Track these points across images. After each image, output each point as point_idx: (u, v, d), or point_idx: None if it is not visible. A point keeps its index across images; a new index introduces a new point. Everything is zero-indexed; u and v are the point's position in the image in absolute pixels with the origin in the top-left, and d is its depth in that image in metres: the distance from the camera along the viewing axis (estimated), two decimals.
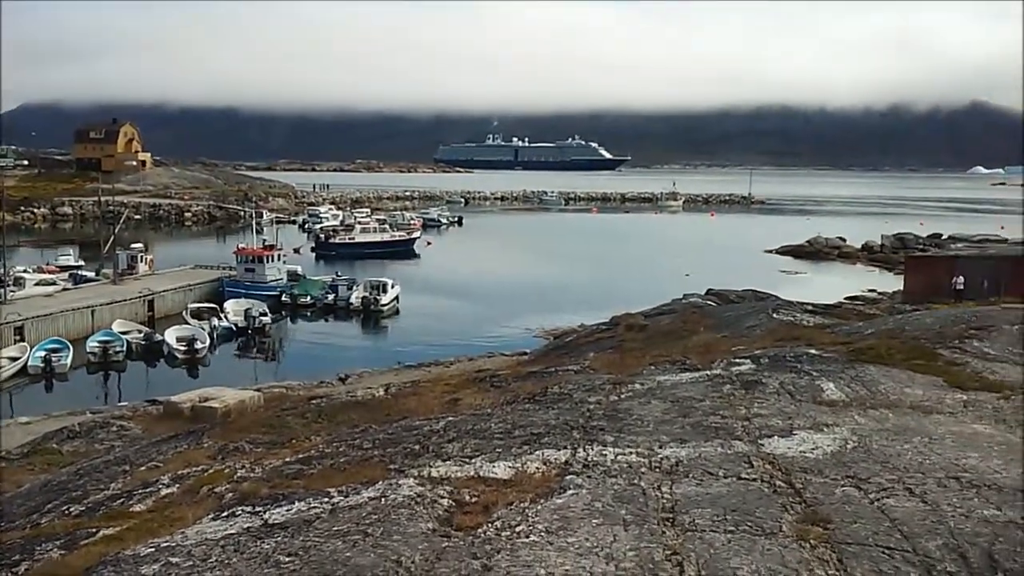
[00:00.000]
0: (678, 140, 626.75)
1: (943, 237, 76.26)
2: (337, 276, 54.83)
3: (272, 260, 52.87)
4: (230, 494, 8.56)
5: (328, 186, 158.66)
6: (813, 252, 73.83)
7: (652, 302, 38.47)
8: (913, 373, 12.20)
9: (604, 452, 8.69)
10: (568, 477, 7.86)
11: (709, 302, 36.24)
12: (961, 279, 34.90)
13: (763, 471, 7.86)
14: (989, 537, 6.37)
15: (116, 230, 58.14)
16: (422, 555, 6.02)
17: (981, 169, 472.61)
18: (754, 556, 5.79)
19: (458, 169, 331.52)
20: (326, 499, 7.56)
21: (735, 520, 6.49)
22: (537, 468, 8.25)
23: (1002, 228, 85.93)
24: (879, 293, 48.77)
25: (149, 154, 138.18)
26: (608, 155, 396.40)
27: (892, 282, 53.44)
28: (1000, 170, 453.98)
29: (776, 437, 9.07)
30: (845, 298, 43.46)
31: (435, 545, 6.21)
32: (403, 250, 77.70)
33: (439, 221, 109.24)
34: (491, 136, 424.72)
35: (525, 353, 35.07)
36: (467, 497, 7.36)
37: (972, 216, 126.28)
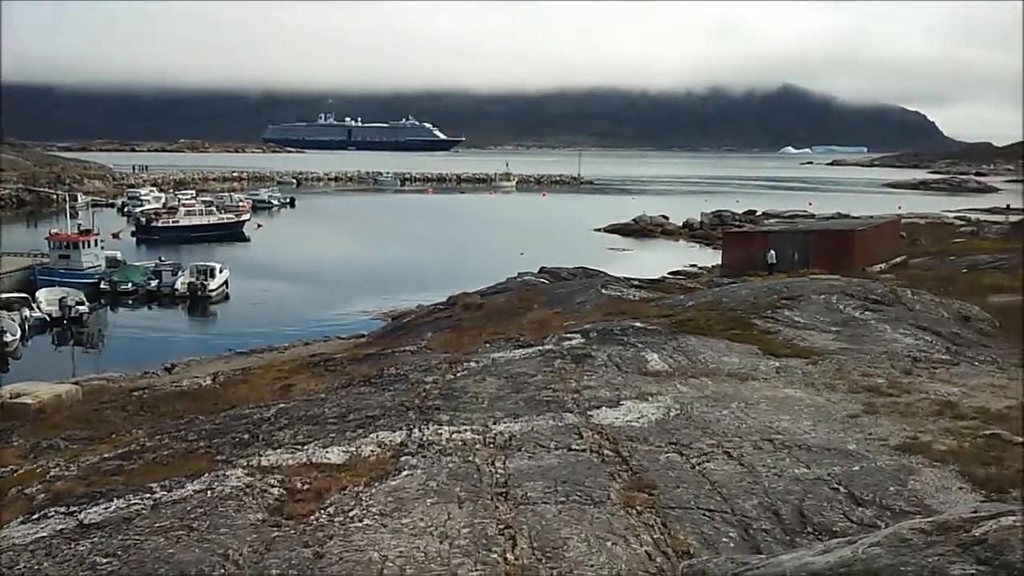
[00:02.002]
0: (511, 122, 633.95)
1: (757, 213, 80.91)
2: (160, 261, 52.05)
3: (89, 246, 49.55)
4: (42, 495, 8.00)
5: (148, 167, 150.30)
6: (639, 230, 76.51)
7: (488, 281, 38.76)
8: (730, 342, 12.88)
9: (440, 431, 8.70)
10: (403, 458, 7.82)
11: (542, 280, 36.87)
12: (773, 253, 37.07)
13: (592, 442, 8.09)
14: (799, 495, 6.83)
15: None
16: (251, 547, 5.83)
17: (791, 149, 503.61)
18: (584, 525, 5.96)
19: (289, 149, 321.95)
20: (147, 495, 7.19)
21: (566, 491, 6.65)
22: (372, 451, 8.17)
23: (810, 204, 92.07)
24: (700, 267, 51.08)
25: None
26: (443, 136, 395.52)
27: (711, 257, 56.17)
28: (808, 150, 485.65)
29: (604, 408, 9.37)
30: (668, 273, 45.31)
31: (265, 536, 6.03)
32: (231, 233, 74.69)
33: (270, 203, 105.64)
34: (323, 116, 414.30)
35: (362, 336, 34.58)
36: (299, 485, 7.19)
37: (783, 193, 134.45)
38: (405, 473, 7.32)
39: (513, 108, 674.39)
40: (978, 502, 6.77)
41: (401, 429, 8.87)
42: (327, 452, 8.20)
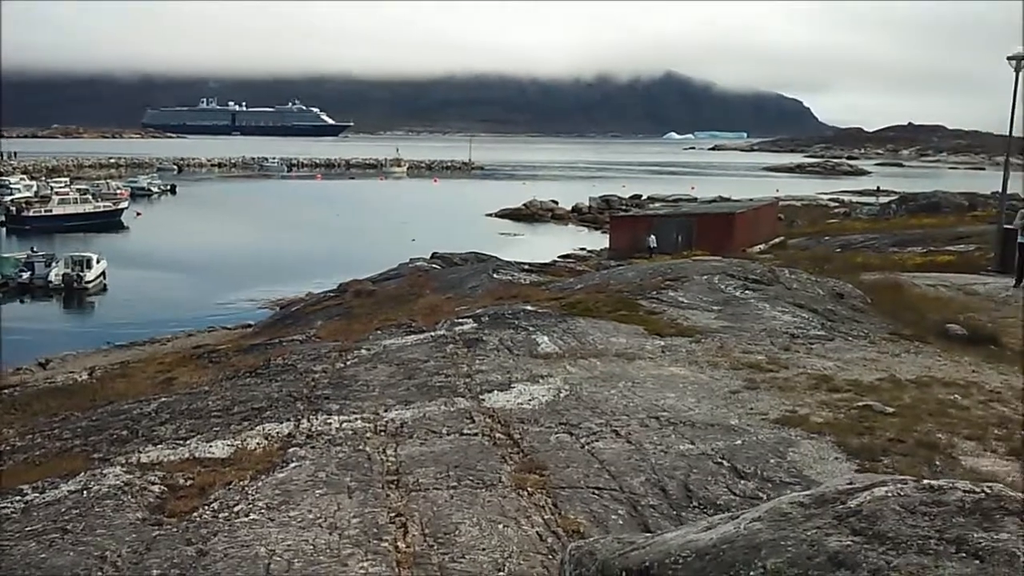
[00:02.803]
0: (401, 107, 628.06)
1: (643, 198, 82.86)
2: (33, 252, 49.49)
3: None
4: None
5: (16, 153, 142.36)
6: (529, 215, 77.18)
7: (380, 267, 38.43)
8: (618, 323, 13.09)
9: (329, 421, 8.55)
10: (291, 450, 7.65)
11: (435, 265, 36.79)
12: (653, 237, 37.98)
13: (484, 425, 8.10)
14: (685, 470, 7.00)
15: None
16: (130, 547, 5.60)
17: (675, 135, 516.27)
18: (475, 509, 5.96)
19: (169, 135, 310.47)
20: (18, 497, 6.81)
21: (457, 476, 6.64)
22: (258, 444, 7.96)
23: (693, 188, 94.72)
24: (588, 251, 51.98)
25: None
26: (331, 121, 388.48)
27: (600, 240, 57.21)
28: (691, 135, 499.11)
29: (496, 391, 9.39)
30: (559, 257, 45.95)
31: (145, 535, 5.80)
32: (109, 222, 71.67)
33: (149, 190, 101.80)
34: (205, 100, 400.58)
35: (250, 325, 33.77)
36: (181, 481, 6.94)
37: (668, 178, 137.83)
38: (293, 465, 7.16)
39: (402, 93, 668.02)
40: (853, 472, 7.11)
41: (289, 420, 8.68)
42: (211, 446, 7.95)
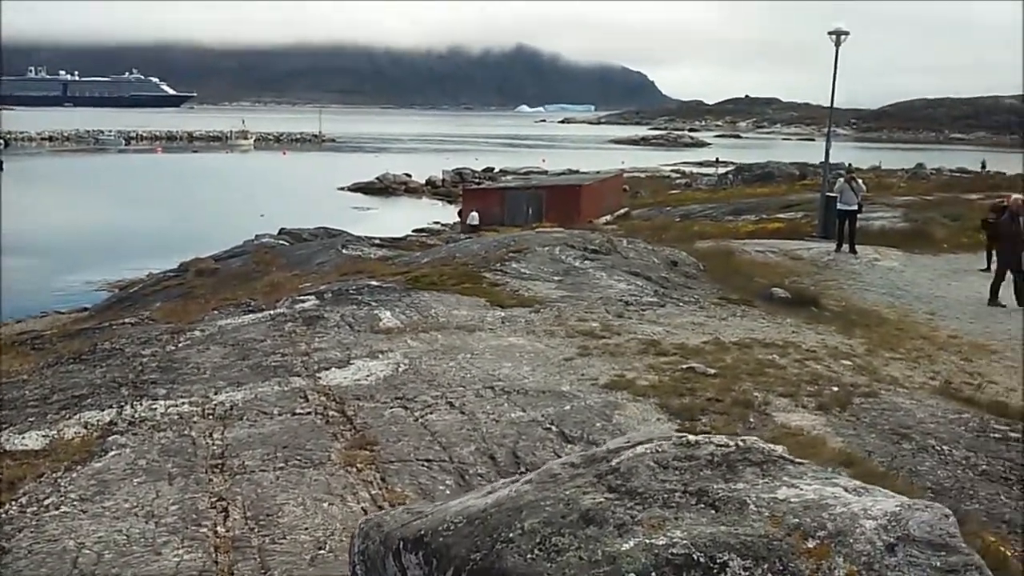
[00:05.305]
0: (246, 77, 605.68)
1: (495, 170, 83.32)
2: None
3: None
4: None
5: None
6: (383, 188, 76.19)
7: (225, 245, 37.06)
8: (461, 296, 13.18)
9: (154, 406, 8.24)
10: (111, 438, 7.33)
11: (282, 241, 35.79)
12: (475, 214, 38.34)
13: (318, 404, 8.01)
14: (514, 437, 7.16)
15: None
16: None
17: (526, 108, 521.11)
18: (301, 489, 5.89)
19: None
20: None
21: (285, 456, 6.54)
22: (76, 433, 7.58)
23: (543, 160, 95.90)
24: (442, 224, 51.91)
25: None
26: (172, 91, 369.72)
27: (453, 213, 57.26)
28: (541, 108, 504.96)
29: (334, 369, 9.29)
30: (412, 231, 45.67)
31: None
32: None
33: None
34: (33, 69, 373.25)
35: (85, 309, 31.94)
36: None
37: (519, 150, 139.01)
38: (112, 454, 6.86)
39: (248, 62, 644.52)
40: (674, 431, 7.45)
41: (111, 407, 8.30)
42: (23, 438, 7.50)
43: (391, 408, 7.80)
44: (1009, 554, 5.20)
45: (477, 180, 72.10)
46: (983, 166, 69.17)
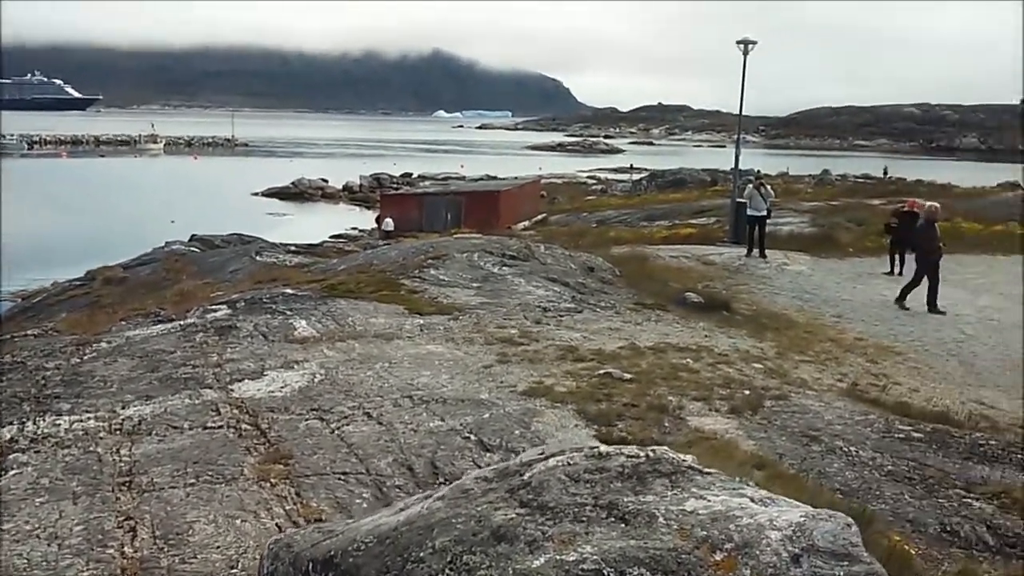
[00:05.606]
0: (154, 79, 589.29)
1: (414, 176, 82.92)
2: None
3: None
4: None
5: None
6: (298, 194, 75.01)
7: (134, 252, 35.94)
8: (379, 303, 13.06)
9: (58, 422, 7.92)
10: (12, 456, 7.02)
11: (193, 248, 34.93)
12: (389, 220, 38.26)
13: (230, 417, 7.82)
14: (433, 447, 7.11)
15: None
16: None
17: (443, 113, 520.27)
18: (213, 506, 5.74)
19: None
20: None
21: (196, 472, 6.36)
22: None
23: (462, 166, 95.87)
24: (360, 230, 51.41)
25: None
26: (76, 94, 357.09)
27: (371, 219, 56.74)
28: (459, 114, 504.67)
29: (247, 380, 9.09)
30: (330, 237, 45.11)
31: None
32: None
33: None
34: None
35: None
36: None
37: (438, 156, 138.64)
38: (12, 473, 6.57)
39: (156, 64, 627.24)
40: (591, 437, 7.52)
41: (12, 424, 7.95)
42: None
43: (306, 420, 7.67)
44: (913, 552, 5.41)
45: (395, 186, 71.66)
46: (885, 172, 71.96)
